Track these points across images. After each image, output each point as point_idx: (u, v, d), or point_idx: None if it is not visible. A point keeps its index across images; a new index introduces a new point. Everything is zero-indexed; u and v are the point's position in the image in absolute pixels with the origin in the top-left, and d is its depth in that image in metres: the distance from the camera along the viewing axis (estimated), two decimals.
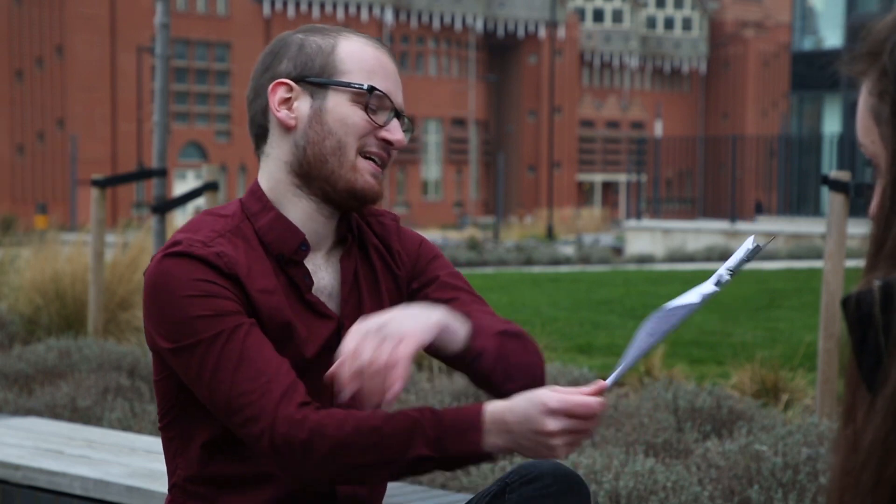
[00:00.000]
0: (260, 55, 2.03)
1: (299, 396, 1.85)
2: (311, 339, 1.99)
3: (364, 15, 69.35)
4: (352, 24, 69.04)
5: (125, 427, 5.10)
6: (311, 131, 1.95)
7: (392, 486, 4.10)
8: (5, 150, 61.25)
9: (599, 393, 1.75)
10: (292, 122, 1.96)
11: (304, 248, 1.99)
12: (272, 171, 2.00)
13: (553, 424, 1.72)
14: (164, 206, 6.96)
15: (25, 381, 6.04)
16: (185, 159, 64.17)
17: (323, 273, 2.03)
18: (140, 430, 5.03)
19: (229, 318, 1.89)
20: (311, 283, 2.00)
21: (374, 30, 69.19)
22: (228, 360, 1.86)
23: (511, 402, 1.77)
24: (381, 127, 1.96)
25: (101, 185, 7.30)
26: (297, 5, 68.45)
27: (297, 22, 68.12)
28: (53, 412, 5.39)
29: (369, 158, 1.97)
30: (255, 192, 2.01)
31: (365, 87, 1.94)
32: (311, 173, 1.97)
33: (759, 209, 32.32)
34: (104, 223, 7.29)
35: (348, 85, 1.94)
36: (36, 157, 62.15)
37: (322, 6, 68.89)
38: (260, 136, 2.02)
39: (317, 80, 1.95)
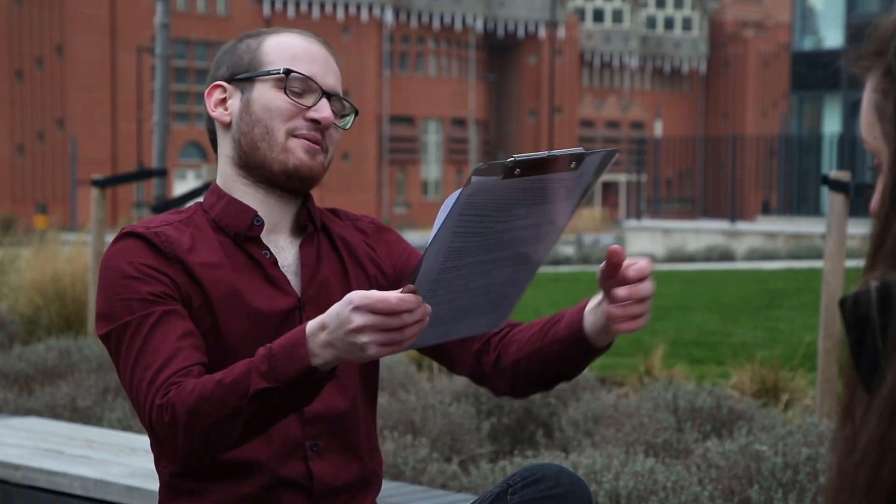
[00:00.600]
0: None
1: (177, 381, 1.87)
2: (267, 304, 2.04)
3: (364, 15, 69.32)
4: (352, 25, 69.03)
5: (125, 427, 5.10)
6: (243, 123, 2.07)
7: (392, 486, 4.10)
8: (5, 150, 61.24)
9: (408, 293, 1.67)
10: (227, 119, 2.09)
11: (257, 222, 2.07)
12: (222, 168, 2.12)
13: (358, 319, 1.66)
14: (164, 206, 6.96)
15: (25, 381, 6.04)
16: (185, 159, 64.16)
17: (286, 254, 2.10)
18: (140, 430, 5.03)
19: (145, 305, 1.94)
20: (274, 258, 2.08)
21: (374, 30, 69.18)
22: (133, 349, 1.93)
23: (329, 309, 1.74)
24: (307, 108, 2.04)
25: (101, 185, 7.31)
26: (297, 5, 68.43)
27: (296, 22, 68.11)
28: (53, 412, 5.39)
29: (301, 139, 2.05)
30: (212, 188, 2.13)
31: (281, 70, 2.04)
32: (249, 163, 2.07)
33: (767, 209, 32.28)
34: (104, 223, 7.30)
35: (268, 73, 2.05)
36: (36, 157, 62.15)
37: (322, 6, 68.86)
38: (213, 140, 2.15)
39: (243, 75, 2.07)
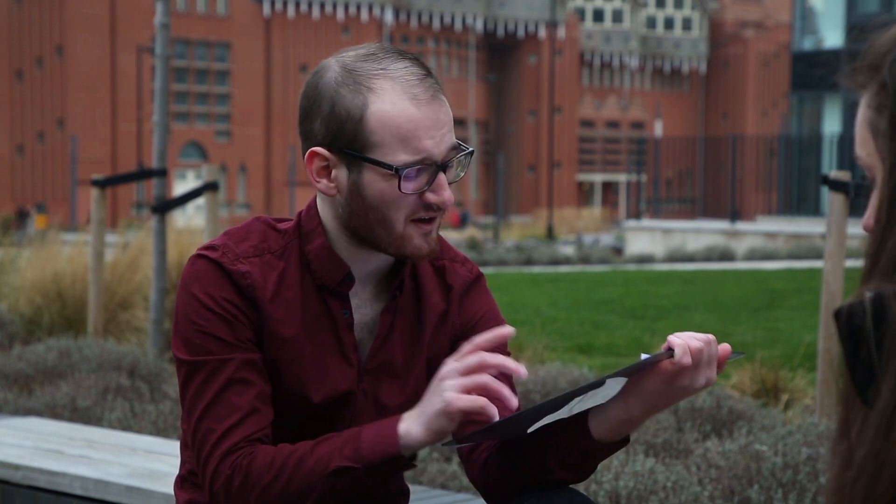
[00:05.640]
0: (304, 84, 1.94)
1: (247, 446, 1.88)
2: (322, 384, 1.97)
3: (364, 15, 69.30)
4: (352, 25, 68.97)
5: (125, 427, 5.10)
6: (354, 203, 1.90)
7: None
8: (5, 150, 61.26)
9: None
10: (333, 192, 1.91)
11: (347, 280, 1.96)
12: (325, 211, 1.97)
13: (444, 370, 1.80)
14: (164, 206, 6.96)
15: (25, 381, 6.04)
16: (185, 159, 64.14)
17: (367, 310, 2.00)
18: (140, 430, 5.02)
19: (225, 348, 1.90)
20: (352, 319, 1.98)
21: (374, 30, 69.13)
22: (206, 393, 1.90)
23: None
24: (424, 191, 1.88)
25: (101, 185, 7.30)
26: (297, 5, 68.41)
27: (296, 22, 68.14)
28: (53, 412, 5.39)
29: (418, 221, 1.91)
30: (312, 208, 1.99)
31: (393, 168, 1.85)
32: (359, 234, 1.93)
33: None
34: (104, 223, 7.30)
35: (379, 163, 1.85)
36: (36, 157, 62.16)
37: (322, 6, 68.84)
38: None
39: (349, 151, 1.87)
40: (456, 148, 1.90)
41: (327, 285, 1.96)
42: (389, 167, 1.85)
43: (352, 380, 1.98)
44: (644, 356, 1.76)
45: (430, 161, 1.86)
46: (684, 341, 1.76)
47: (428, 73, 1.90)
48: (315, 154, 1.89)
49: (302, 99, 1.92)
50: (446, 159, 1.88)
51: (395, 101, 1.86)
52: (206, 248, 1.95)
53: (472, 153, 1.93)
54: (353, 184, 1.88)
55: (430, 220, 1.91)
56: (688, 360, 1.75)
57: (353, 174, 1.88)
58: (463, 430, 1.96)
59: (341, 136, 1.87)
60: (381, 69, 1.87)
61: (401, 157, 1.85)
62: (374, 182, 1.87)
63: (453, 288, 2.06)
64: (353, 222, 1.91)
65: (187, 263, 1.95)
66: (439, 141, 1.87)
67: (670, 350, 1.76)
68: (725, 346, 1.81)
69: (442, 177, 1.88)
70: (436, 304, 2.04)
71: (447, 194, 1.89)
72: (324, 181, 1.90)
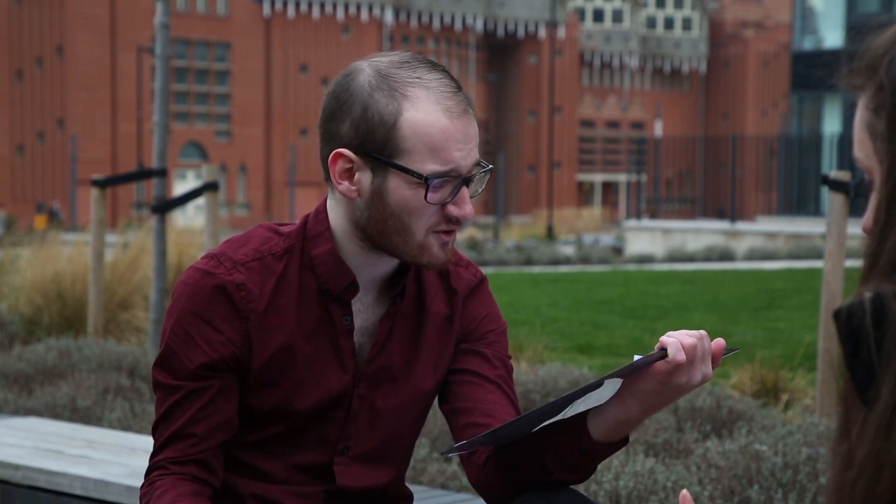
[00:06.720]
0: (332, 84, 1.92)
1: (168, 467, 1.94)
2: (313, 388, 1.97)
3: (364, 15, 69.31)
4: (352, 25, 68.97)
5: (125, 427, 5.10)
6: (374, 208, 1.89)
7: None
8: (5, 150, 61.25)
9: None
10: (354, 195, 1.89)
11: (352, 287, 1.96)
12: (337, 214, 1.95)
13: None
14: (164, 206, 6.96)
15: (25, 381, 6.04)
16: (185, 159, 64.15)
17: (368, 314, 2.00)
18: (140, 430, 5.02)
19: (187, 375, 1.93)
20: (352, 325, 1.98)
21: (374, 30, 69.14)
22: (161, 405, 1.96)
23: None
24: (447, 203, 1.88)
25: (101, 185, 7.30)
26: (297, 5, 68.41)
27: (296, 22, 68.15)
28: (53, 412, 5.39)
29: (438, 231, 1.91)
30: (321, 212, 1.98)
31: (423, 176, 1.84)
32: (374, 240, 1.92)
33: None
34: (104, 223, 7.30)
35: (408, 171, 1.85)
36: (36, 157, 62.16)
37: (322, 6, 68.85)
38: (327, 177, 1.94)
39: (377, 156, 1.86)
40: (478, 164, 1.90)
41: (330, 291, 1.95)
42: (419, 176, 1.84)
43: (345, 384, 1.98)
44: (637, 357, 1.76)
45: (457, 173, 1.86)
46: (676, 339, 1.76)
47: (459, 87, 1.90)
48: (340, 155, 1.88)
49: (330, 99, 1.90)
50: (471, 173, 1.88)
51: (430, 111, 1.85)
52: (206, 257, 1.95)
53: (491, 170, 1.93)
54: (377, 189, 1.87)
55: (449, 232, 1.91)
56: (681, 356, 1.75)
57: (377, 179, 1.87)
58: (462, 437, 1.96)
59: (371, 140, 1.85)
60: (417, 77, 1.87)
61: (429, 167, 1.85)
62: (398, 189, 1.86)
63: (457, 292, 2.06)
64: (370, 228, 1.90)
65: (185, 271, 1.95)
66: (467, 154, 1.87)
67: (663, 350, 1.76)
68: (719, 341, 1.81)
69: (465, 190, 1.88)
70: (439, 309, 2.04)
71: (468, 208, 1.89)
72: (345, 183, 1.89)
